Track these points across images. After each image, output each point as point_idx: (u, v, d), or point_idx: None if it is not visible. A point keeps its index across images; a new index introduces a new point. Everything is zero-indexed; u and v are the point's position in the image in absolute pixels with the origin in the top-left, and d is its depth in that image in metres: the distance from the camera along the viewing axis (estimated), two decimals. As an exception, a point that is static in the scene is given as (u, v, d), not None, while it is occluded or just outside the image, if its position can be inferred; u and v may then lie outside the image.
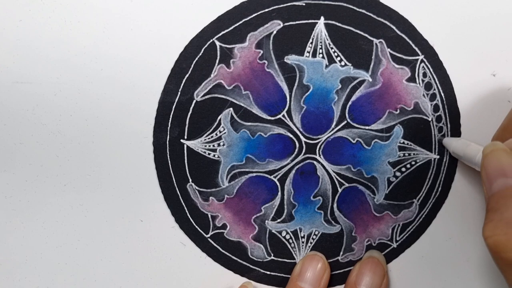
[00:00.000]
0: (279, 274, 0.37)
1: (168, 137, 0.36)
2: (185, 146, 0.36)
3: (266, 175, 0.36)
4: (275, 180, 0.36)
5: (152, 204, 0.36)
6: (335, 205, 0.37)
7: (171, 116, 0.35)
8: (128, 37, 0.34)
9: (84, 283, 0.37)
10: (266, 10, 0.35)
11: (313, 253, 0.37)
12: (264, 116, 0.36)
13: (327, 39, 0.35)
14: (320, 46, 0.35)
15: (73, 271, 0.37)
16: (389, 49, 0.35)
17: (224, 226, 0.37)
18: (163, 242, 0.37)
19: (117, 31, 0.34)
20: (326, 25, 0.35)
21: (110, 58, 0.34)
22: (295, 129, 0.36)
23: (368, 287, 0.35)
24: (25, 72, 0.34)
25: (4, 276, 0.37)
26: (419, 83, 0.36)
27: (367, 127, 0.36)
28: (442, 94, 0.36)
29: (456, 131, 0.36)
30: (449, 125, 0.36)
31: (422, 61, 0.35)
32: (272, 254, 0.37)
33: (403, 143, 0.36)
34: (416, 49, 0.35)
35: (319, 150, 0.36)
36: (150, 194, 0.36)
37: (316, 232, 0.37)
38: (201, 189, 0.36)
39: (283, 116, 0.36)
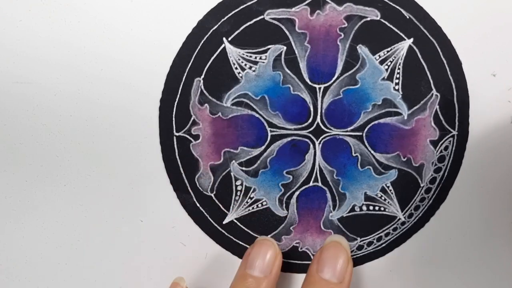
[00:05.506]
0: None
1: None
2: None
3: (265, 122, 0.36)
4: (269, 133, 0.36)
5: (152, 204, 0.36)
6: (296, 193, 0.36)
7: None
8: (128, 37, 0.34)
9: (84, 283, 0.37)
10: None
11: (263, 238, 0.36)
12: (306, 78, 0.35)
13: (401, 59, 0.35)
14: (393, 59, 0.35)
15: (73, 271, 0.37)
16: (438, 106, 0.35)
17: (197, 137, 0.36)
18: (163, 242, 0.37)
19: (117, 31, 0.34)
20: (409, 47, 0.35)
21: (110, 58, 0.34)
22: (318, 107, 0.35)
23: (332, 273, 0.33)
24: (25, 72, 0.34)
25: (4, 276, 0.37)
26: (437, 152, 0.36)
27: (372, 152, 0.36)
28: (445, 175, 0.36)
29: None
30: (437, 192, 0.36)
31: (452, 136, 0.35)
32: (215, 192, 0.36)
33: (388, 187, 0.36)
34: (454, 124, 0.35)
35: (321, 140, 0.36)
36: (150, 194, 0.36)
37: (264, 203, 0.36)
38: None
39: (319, 89, 0.35)
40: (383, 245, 0.37)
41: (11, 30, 0.34)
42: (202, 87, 0.35)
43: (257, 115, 0.35)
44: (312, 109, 0.35)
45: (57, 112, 0.35)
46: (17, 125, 0.35)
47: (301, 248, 0.37)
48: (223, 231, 0.37)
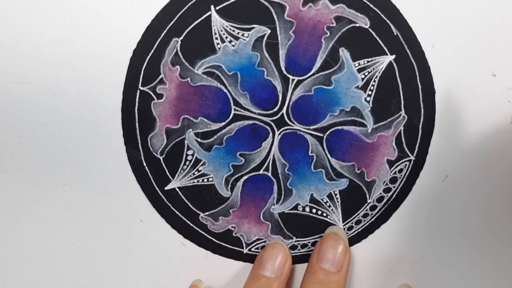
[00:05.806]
0: None
1: None
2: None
3: (231, 98, 0.35)
4: (233, 111, 0.35)
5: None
6: (245, 177, 0.36)
7: None
8: (128, 37, 0.34)
9: (84, 283, 0.37)
10: None
11: (275, 242, 0.36)
12: (282, 67, 0.35)
13: (379, 73, 0.35)
14: (371, 71, 0.35)
15: (73, 271, 0.37)
16: (403, 128, 0.35)
17: (160, 96, 0.35)
18: (163, 242, 0.37)
19: (117, 31, 0.34)
20: (390, 63, 0.35)
21: (110, 58, 0.34)
22: (287, 98, 0.35)
23: (331, 263, 0.34)
24: (25, 72, 0.34)
25: (4, 276, 0.37)
26: (390, 174, 0.36)
27: (328, 156, 0.36)
28: (393, 197, 0.36)
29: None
30: (381, 211, 0.36)
31: (409, 160, 0.35)
32: (164, 155, 0.36)
33: (336, 195, 0.36)
34: (414, 150, 0.35)
35: (282, 131, 0.35)
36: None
37: (210, 179, 0.36)
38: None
39: (293, 80, 0.35)
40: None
41: (11, 30, 0.34)
42: (179, 48, 0.35)
43: (225, 90, 0.35)
44: (280, 99, 0.35)
45: (57, 112, 0.35)
46: (17, 125, 0.35)
47: (235, 233, 0.37)
48: (162, 196, 0.36)
